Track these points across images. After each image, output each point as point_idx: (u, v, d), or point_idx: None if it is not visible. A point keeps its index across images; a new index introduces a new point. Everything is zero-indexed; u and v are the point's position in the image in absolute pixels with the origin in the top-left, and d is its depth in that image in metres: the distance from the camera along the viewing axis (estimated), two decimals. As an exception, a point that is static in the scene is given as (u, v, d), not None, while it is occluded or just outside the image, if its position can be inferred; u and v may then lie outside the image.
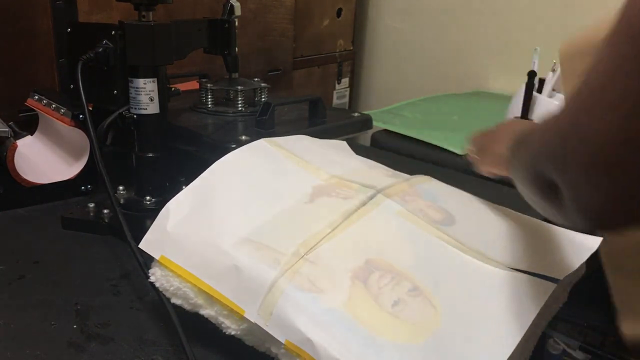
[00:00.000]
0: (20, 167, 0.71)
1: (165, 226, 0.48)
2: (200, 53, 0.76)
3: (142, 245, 0.49)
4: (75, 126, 0.72)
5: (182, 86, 0.80)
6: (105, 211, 0.67)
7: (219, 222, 0.47)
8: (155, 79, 0.64)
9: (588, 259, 0.47)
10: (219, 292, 0.43)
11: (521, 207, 0.60)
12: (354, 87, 1.72)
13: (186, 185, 0.52)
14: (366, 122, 0.85)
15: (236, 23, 0.76)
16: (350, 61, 1.66)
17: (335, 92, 1.63)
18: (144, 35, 0.62)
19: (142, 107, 0.64)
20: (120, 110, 0.65)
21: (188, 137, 0.71)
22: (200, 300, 0.44)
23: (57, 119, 0.73)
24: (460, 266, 0.45)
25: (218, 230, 0.46)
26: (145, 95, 0.64)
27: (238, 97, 0.79)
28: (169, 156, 0.69)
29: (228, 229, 0.46)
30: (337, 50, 1.60)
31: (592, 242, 0.49)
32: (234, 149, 0.56)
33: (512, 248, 0.49)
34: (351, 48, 1.66)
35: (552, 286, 0.42)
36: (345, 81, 1.66)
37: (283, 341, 0.39)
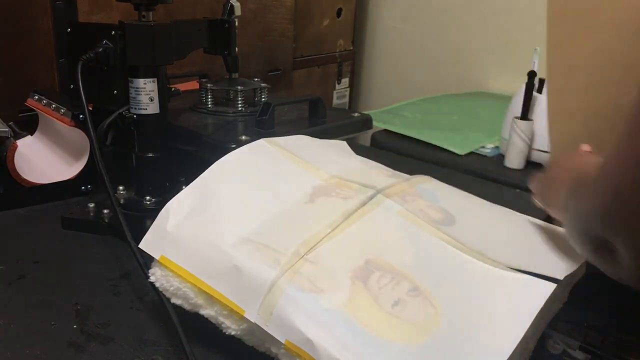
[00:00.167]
0: (20, 167, 0.71)
1: (165, 226, 0.48)
2: (200, 53, 0.76)
3: (142, 245, 0.49)
4: (75, 126, 0.72)
5: (182, 86, 0.80)
6: (105, 211, 0.67)
7: (219, 222, 0.47)
8: (155, 79, 0.64)
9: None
10: (219, 292, 0.43)
11: (521, 207, 0.60)
12: (354, 87, 1.73)
13: (186, 185, 0.52)
14: (366, 122, 0.85)
15: (236, 23, 0.76)
16: (350, 61, 1.66)
17: (335, 92, 1.63)
18: (144, 35, 0.62)
19: (142, 107, 0.64)
20: (120, 110, 0.65)
21: (188, 137, 0.71)
22: (200, 300, 0.44)
23: (57, 119, 0.73)
24: (460, 266, 0.45)
25: (218, 230, 0.46)
26: (145, 95, 0.64)
27: (238, 97, 0.79)
28: (169, 156, 0.69)
29: (228, 229, 0.46)
30: (337, 50, 1.60)
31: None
32: (234, 149, 0.56)
33: (512, 248, 0.49)
34: (351, 48, 1.66)
35: (552, 286, 0.42)
36: (345, 81, 1.66)
37: (283, 341, 0.39)
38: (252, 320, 0.41)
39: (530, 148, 0.99)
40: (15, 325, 0.50)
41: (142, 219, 0.63)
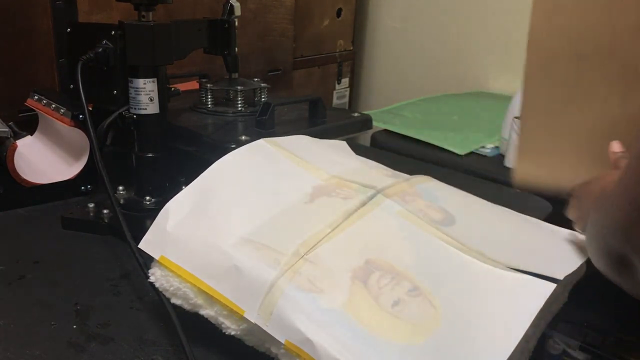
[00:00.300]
0: (20, 167, 0.71)
1: (165, 226, 0.48)
2: (200, 53, 0.76)
3: (142, 245, 0.49)
4: (75, 126, 0.72)
5: (182, 86, 0.80)
6: (105, 211, 0.67)
7: (218, 222, 0.47)
8: (155, 79, 0.64)
9: (588, 259, 0.47)
10: (219, 292, 0.43)
11: (521, 207, 0.60)
12: (354, 87, 1.73)
13: (186, 185, 0.52)
14: (366, 122, 0.85)
15: (236, 23, 0.76)
16: (350, 61, 1.66)
17: (335, 92, 1.63)
18: (144, 35, 0.62)
19: (142, 107, 0.64)
20: (120, 110, 0.65)
21: (188, 137, 0.71)
22: (200, 301, 0.44)
23: (57, 119, 0.73)
24: (460, 266, 0.45)
25: (218, 230, 0.46)
26: (145, 95, 0.64)
27: (238, 97, 0.79)
28: (169, 156, 0.69)
29: (228, 229, 0.46)
30: (337, 50, 1.60)
31: None
32: (234, 149, 0.56)
33: (512, 248, 0.48)
34: (351, 48, 1.66)
35: (552, 286, 0.42)
36: (345, 81, 1.66)
37: (283, 341, 0.39)
38: (252, 321, 0.41)
39: (530, 148, 0.99)
40: (15, 325, 0.50)
41: (142, 219, 0.63)
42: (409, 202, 0.51)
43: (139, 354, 0.47)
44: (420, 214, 0.50)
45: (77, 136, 0.74)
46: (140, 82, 0.63)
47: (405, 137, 1.12)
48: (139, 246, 0.49)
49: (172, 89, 0.69)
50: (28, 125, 0.78)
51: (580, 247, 0.49)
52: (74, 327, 0.50)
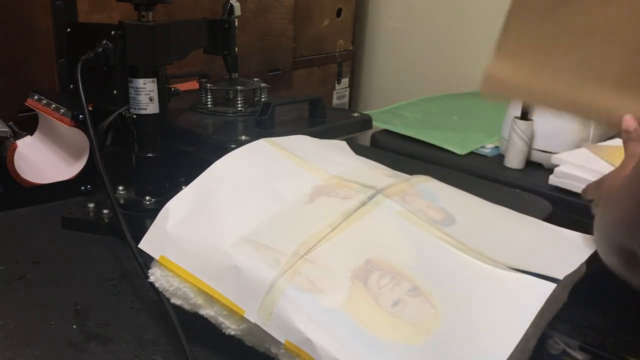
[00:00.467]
0: (20, 167, 0.71)
1: (164, 226, 0.48)
2: (200, 53, 0.76)
3: (142, 245, 0.49)
4: (75, 126, 0.72)
5: (182, 86, 0.80)
6: (105, 211, 0.67)
7: (218, 222, 0.47)
8: (155, 79, 0.64)
9: (588, 259, 0.47)
10: (219, 292, 0.43)
11: (521, 207, 0.60)
12: (354, 87, 1.72)
13: (186, 185, 0.52)
14: (366, 122, 0.85)
15: (236, 23, 0.76)
16: (350, 61, 1.66)
17: (335, 92, 1.63)
18: (143, 35, 0.62)
19: (142, 107, 0.64)
20: (120, 110, 0.65)
21: (188, 137, 0.71)
22: (200, 301, 0.44)
23: (57, 119, 0.73)
24: (460, 266, 0.45)
25: (218, 230, 0.46)
26: (145, 95, 0.64)
27: (238, 97, 0.79)
28: (169, 156, 0.69)
29: (228, 229, 0.46)
30: (337, 50, 1.60)
31: (592, 242, 0.49)
32: (234, 149, 0.56)
33: (512, 248, 0.48)
34: (351, 48, 1.65)
35: (552, 286, 0.42)
36: (345, 81, 1.66)
37: (283, 341, 0.39)
38: (252, 321, 0.41)
39: (530, 148, 0.99)
40: (15, 325, 0.50)
41: (142, 219, 0.63)
42: (409, 202, 0.51)
43: (139, 354, 0.47)
44: (420, 214, 0.50)
45: (77, 136, 0.74)
46: (140, 82, 0.63)
47: (405, 137, 1.12)
48: (139, 246, 0.49)
49: (172, 89, 0.69)
50: (28, 125, 0.78)
51: (580, 247, 0.49)
52: (74, 327, 0.50)
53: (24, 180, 0.72)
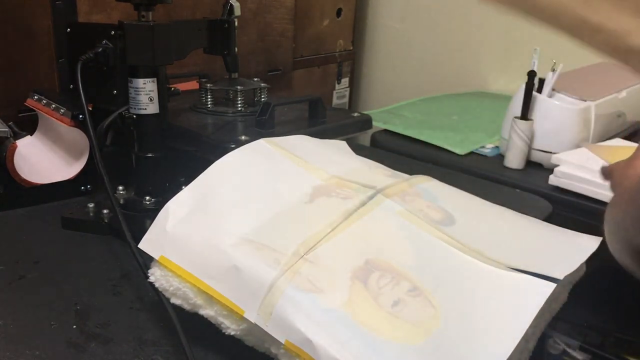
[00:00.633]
0: (20, 167, 0.71)
1: (164, 226, 0.48)
2: (200, 53, 0.76)
3: (142, 245, 0.49)
4: (75, 126, 0.72)
5: (182, 86, 0.80)
6: (105, 211, 0.67)
7: (218, 222, 0.47)
8: (155, 79, 0.64)
9: (588, 259, 0.47)
10: (219, 292, 0.43)
11: (521, 207, 0.60)
12: (354, 87, 1.72)
13: (186, 185, 0.52)
14: (366, 122, 0.85)
15: (236, 23, 0.76)
16: (350, 61, 1.66)
17: (335, 92, 1.63)
18: (143, 35, 0.62)
19: (142, 107, 0.64)
20: (120, 110, 0.65)
21: (188, 137, 0.71)
22: (199, 301, 0.44)
23: (56, 119, 0.73)
24: (460, 266, 0.45)
25: (218, 230, 0.46)
26: (145, 95, 0.64)
27: (238, 97, 0.79)
28: (169, 156, 0.69)
29: (228, 229, 0.46)
30: (337, 50, 1.60)
31: (592, 242, 0.49)
32: (234, 149, 0.56)
33: (512, 248, 0.48)
34: (351, 48, 1.65)
35: (552, 286, 0.42)
36: (345, 81, 1.66)
37: (283, 341, 0.39)
38: (252, 321, 0.41)
39: (530, 148, 0.99)
40: (15, 325, 0.50)
41: (141, 219, 0.63)
42: (409, 202, 0.51)
43: (139, 354, 0.47)
44: (420, 214, 0.50)
45: (77, 136, 0.74)
46: (140, 82, 0.63)
47: (405, 137, 1.12)
48: (139, 246, 0.49)
49: (172, 89, 0.69)
50: (28, 125, 0.78)
51: (580, 247, 0.49)
52: (74, 327, 0.50)
53: (24, 180, 0.72)
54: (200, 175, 0.52)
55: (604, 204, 0.83)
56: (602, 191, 0.84)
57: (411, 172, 0.60)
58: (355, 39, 1.67)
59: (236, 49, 0.77)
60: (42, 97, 0.76)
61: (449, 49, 1.61)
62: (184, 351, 0.44)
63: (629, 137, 1.08)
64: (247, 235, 0.45)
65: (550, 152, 0.96)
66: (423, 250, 0.46)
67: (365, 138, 1.13)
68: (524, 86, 0.97)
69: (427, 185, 0.57)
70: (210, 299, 0.44)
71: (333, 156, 0.60)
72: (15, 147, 0.71)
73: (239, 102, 0.79)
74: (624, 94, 1.09)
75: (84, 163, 0.75)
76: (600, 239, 0.49)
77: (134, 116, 0.65)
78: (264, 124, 0.72)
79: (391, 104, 1.35)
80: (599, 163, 0.87)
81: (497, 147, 1.08)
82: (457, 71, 1.60)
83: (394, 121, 1.19)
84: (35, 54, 0.90)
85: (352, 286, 0.41)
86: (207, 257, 0.45)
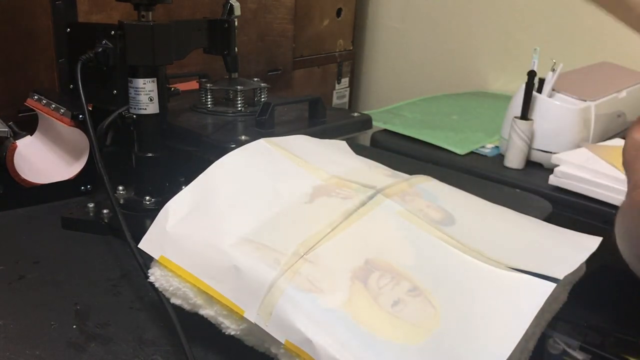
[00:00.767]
0: (20, 167, 0.71)
1: (164, 226, 0.48)
2: (200, 53, 0.76)
3: (142, 245, 0.49)
4: (75, 126, 0.72)
5: (182, 86, 0.80)
6: (105, 211, 0.67)
7: (218, 222, 0.47)
8: (155, 79, 0.64)
9: (588, 259, 0.47)
10: (219, 292, 0.43)
11: (521, 207, 0.60)
12: (354, 87, 1.72)
13: (186, 185, 0.52)
14: (366, 122, 0.85)
15: (236, 23, 0.76)
16: (350, 61, 1.66)
17: (335, 92, 1.63)
18: (143, 36, 0.62)
19: (142, 107, 0.64)
20: (120, 110, 0.65)
21: (188, 137, 0.71)
22: (199, 301, 0.44)
23: (56, 119, 0.73)
24: (460, 266, 0.45)
25: (217, 230, 0.46)
26: (145, 95, 0.64)
27: (238, 97, 0.79)
28: (169, 156, 0.69)
29: (227, 229, 0.46)
30: (337, 50, 1.60)
31: (592, 242, 0.49)
32: (234, 149, 0.56)
33: (512, 248, 0.48)
34: (351, 48, 1.65)
35: (552, 286, 0.42)
36: (345, 81, 1.66)
37: (283, 341, 0.39)
38: (252, 321, 0.41)
39: (530, 148, 0.99)
40: (15, 325, 0.50)
41: (141, 219, 0.63)
42: (408, 202, 0.51)
43: (139, 354, 0.47)
44: (420, 214, 0.50)
45: (77, 136, 0.74)
46: (140, 82, 0.63)
47: (405, 137, 1.12)
48: (139, 246, 0.49)
49: (172, 89, 0.69)
50: (28, 125, 0.78)
51: (580, 247, 0.49)
52: (74, 327, 0.50)
53: (24, 180, 0.72)
54: (200, 175, 0.52)
55: (604, 204, 0.84)
56: (602, 191, 0.84)
57: (411, 172, 0.60)
58: (355, 39, 1.67)
59: (236, 49, 0.77)
60: (42, 97, 0.76)
61: (448, 49, 1.61)
62: (183, 351, 0.44)
63: (629, 137, 1.07)
64: (247, 235, 0.45)
65: (550, 152, 0.96)
66: (423, 250, 0.46)
67: (365, 138, 1.13)
68: (524, 86, 0.97)
69: (427, 185, 0.57)
70: (210, 299, 0.44)
71: (333, 156, 0.60)
72: (15, 147, 0.71)
73: (239, 102, 0.79)
74: (624, 94, 1.09)
75: (84, 163, 0.75)
76: (600, 239, 0.49)
77: (134, 116, 0.65)
78: (264, 124, 0.72)
79: (391, 104, 1.35)
80: (599, 163, 0.87)
81: (497, 147, 1.08)
82: (457, 71, 1.60)
83: (394, 121, 1.19)
84: (35, 54, 0.90)
85: (352, 286, 0.41)
86: (207, 257, 0.45)
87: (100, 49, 0.64)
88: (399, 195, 0.52)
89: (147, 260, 0.49)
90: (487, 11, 1.52)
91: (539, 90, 0.98)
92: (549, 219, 0.61)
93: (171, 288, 0.46)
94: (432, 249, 0.46)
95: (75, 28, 0.71)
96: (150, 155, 0.67)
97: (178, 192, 0.51)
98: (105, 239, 0.65)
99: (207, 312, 0.44)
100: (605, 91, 1.05)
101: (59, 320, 0.50)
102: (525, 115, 0.97)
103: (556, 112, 0.97)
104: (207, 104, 0.80)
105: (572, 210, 0.87)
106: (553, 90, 0.98)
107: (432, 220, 0.49)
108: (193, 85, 0.88)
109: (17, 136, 0.74)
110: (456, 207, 0.53)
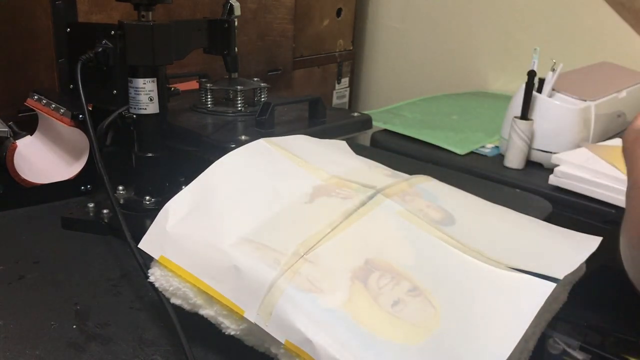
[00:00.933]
0: (20, 167, 0.71)
1: (164, 226, 0.48)
2: (200, 53, 0.76)
3: (142, 245, 0.49)
4: (75, 126, 0.72)
5: (182, 86, 0.80)
6: (105, 211, 0.67)
7: (218, 222, 0.47)
8: (155, 79, 0.64)
9: (588, 259, 0.47)
10: (219, 292, 0.43)
11: (521, 207, 0.60)
12: (354, 87, 1.72)
13: (186, 185, 0.52)
14: (366, 122, 0.85)
15: (236, 23, 0.76)
16: (350, 61, 1.66)
17: (335, 92, 1.63)
18: (143, 35, 0.62)
19: (142, 107, 0.64)
20: (120, 110, 0.65)
21: (188, 137, 0.71)
22: (199, 301, 0.44)
23: (56, 119, 0.73)
24: (460, 266, 0.45)
25: (217, 230, 0.46)
26: (145, 95, 0.64)
27: (238, 97, 0.79)
28: (169, 156, 0.69)
29: (227, 229, 0.46)
30: (337, 50, 1.60)
31: (592, 242, 0.49)
32: (234, 149, 0.56)
33: (512, 248, 0.48)
34: (351, 48, 1.66)
35: (552, 286, 0.42)
36: (345, 81, 1.66)
37: (283, 341, 0.39)
38: (252, 321, 0.41)
39: (530, 148, 0.99)
40: (15, 325, 0.50)
41: (141, 219, 0.63)
42: (408, 202, 0.51)
43: (139, 354, 0.47)
44: (420, 214, 0.50)
45: (77, 136, 0.74)
46: (140, 82, 0.63)
47: (405, 137, 1.12)
48: (139, 246, 0.49)
49: (172, 89, 0.69)
50: (28, 125, 0.78)
51: (580, 247, 0.49)
52: (74, 327, 0.50)
53: (24, 180, 0.72)
54: (200, 175, 0.52)
55: (604, 204, 0.84)
56: (602, 191, 0.84)
57: (411, 172, 0.60)
58: (355, 39, 1.67)
59: (236, 49, 0.77)
60: (42, 97, 0.76)
61: (448, 49, 1.61)
62: (183, 351, 0.44)
63: (629, 137, 1.08)
64: (247, 235, 0.45)
65: (550, 152, 0.96)
66: (423, 250, 0.46)
67: (365, 138, 1.13)
68: (524, 86, 0.97)
69: (427, 185, 0.57)
70: (210, 299, 0.44)
71: (333, 156, 0.60)
72: (15, 147, 0.71)
73: (239, 102, 0.79)
74: (624, 94, 1.09)
75: (84, 163, 0.75)
76: (600, 238, 0.49)
77: (134, 116, 0.65)
78: (264, 124, 0.72)
79: (391, 104, 1.35)
80: (599, 163, 0.87)
81: (497, 147, 1.08)
82: (457, 71, 1.60)
83: (394, 121, 1.19)
84: (35, 54, 0.90)
85: (352, 286, 0.41)
86: (207, 257, 0.45)
87: (100, 49, 0.64)
88: (399, 195, 0.52)
89: (147, 260, 0.49)
90: (487, 11, 1.52)
91: (539, 90, 0.98)
92: (549, 219, 0.61)
93: (171, 288, 0.46)
94: (432, 249, 0.46)
95: (75, 28, 0.71)
96: (150, 155, 0.67)
97: (178, 192, 0.51)
98: (105, 239, 0.65)
99: (207, 312, 0.44)
100: (605, 91, 1.05)
101: (59, 320, 0.50)
102: (525, 115, 0.97)
103: (556, 112, 0.97)
104: (207, 104, 0.80)
105: (572, 210, 0.87)
106: (553, 90, 0.98)
107: (432, 220, 0.49)
108: (193, 85, 0.89)
109: (17, 136, 0.74)
110: (456, 207, 0.53)
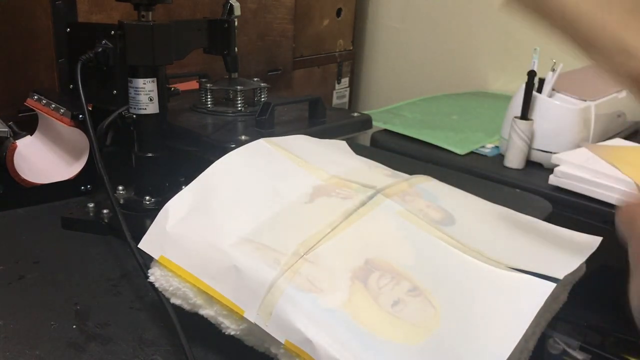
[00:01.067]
0: (20, 167, 0.71)
1: (164, 226, 0.48)
2: (200, 53, 0.76)
3: (142, 245, 0.49)
4: (75, 126, 0.72)
5: (182, 86, 0.80)
6: (105, 211, 0.67)
7: (218, 222, 0.47)
8: (155, 79, 0.64)
9: (588, 259, 0.47)
10: (219, 292, 0.43)
11: (521, 207, 0.60)
12: (354, 87, 1.72)
13: (186, 185, 0.52)
14: (366, 122, 0.85)
15: (236, 23, 0.76)
16: (350, 61, 1.66)
17: (335, 92, 1.63)
18: (143, 35, 0.62)
19: (142, 107, 0.64)
20: (120, 110, 0.65)
21: (188, 137, 0.71)
22: (199, 301, 0.44)
23: (56, 119, 0.73)
24: (460, 266, 0.45)
25: (217, 230, 0.46)
26: (145, 95, 0.64)
27: (238, 97, 0.79)
28: (169, 156, 0.69)
29: (227, 229, 0.46)
30: (337, 50, 1.60)
31: (592, 242, 0.49)
32: (234, 149, 0.56)
33: (512, 248, 0.48)
34: (351, 48, 1.66)
35: (552, 286, 0.42)
36: (345, 81, 1.66)
37: (283, 341, 0.39)
38: (252, 320, 0.41)
39: (530, 148, 0.99)
40: (15, 325, 0.50)
41: (141, 219, 0.63)
42: (408, 202, 0.51)
43: (139, 354, 0.47)
44: (420, 214, 0.50)
45: (77, 136, 0.74)
46: (140, 82, 0.63)
47: (405, 137, 1.12)
48: (139, 246, 0.49)
49: (172, 89, 0.69)
50: (28, 125, 0.78)
51: (580, 247, 0.49)
52: (74, 327, 0.50)
53: (24, 180, 0.72)
54: (200, 175, 0.52)
55: (604, 204, 0.84)
56: (602, 191, 0.84)
57: (411, 172, 0.60)
58: (355, 39, 1.67)
59: (236, 49, 0.77)
60: (42, 97, 0.76)
61: (448, 49, 1.61)
62: (183, 351, 0.44)
63: (629, 137, 1.08)
64: (247, 235, 0.45)
65: (550, 152, 0.96)
66: (423, 250, 0.46)
67: (365, 138, 1.13)
68: (524, 86, 0.97)
69: (427, 185, 0.57)
70: (210, 299, 0.44)
71: (333, 156, 0.60)
72: (15, 147, 0.71)
73: (239, 102, 0.79)
74: (624, 94, 1.09)
75: (84, 163, 0.75)
76: (600, 238, 0.49)
77: (134, 116, 0.65)
78: (264, 124, 0.72)
79: (391, 104, 1.35)
80: (599, 163, 0.87)
81: (497, 147, 1.08)
82: (457, 71, 1.60)
83: (394, 121, 1.19)
84: (35, 54, 0.90)
85: (352, 286, 0.41)
86: (207, 257, 0.45)
87: (100, 49, 0.64)
88: (399, 195, 0.52)
89: (147, 260, 0.49)
90: (487, 11, 1.52)
91: (539, 90, 0.98)
92: (549, 219, 0.61)
93: (171, 288, 0.46)
94: (432, 249, 0.46)
95: (75, 28, 0.71)
96: (150, 155, 0.67)
97: (178, 192, 0.51)
98: (105, 239, 0.65)
99: (207, 312, 0.44)
100: (605, 91, 1.05)
101: (59, 320, 0.50)
102: (525, 115, 0.97)
103: (556, 112, 0.97)
104: (207, 104, 0.80)
105: (572, 210, 0.87)
106: (553, 90, 0.98)
107: (432, 220, 0.49)
108: (193, 85, 0.89)
109: (17, 136, 0.74)
110: (456, 207, 0.53)
